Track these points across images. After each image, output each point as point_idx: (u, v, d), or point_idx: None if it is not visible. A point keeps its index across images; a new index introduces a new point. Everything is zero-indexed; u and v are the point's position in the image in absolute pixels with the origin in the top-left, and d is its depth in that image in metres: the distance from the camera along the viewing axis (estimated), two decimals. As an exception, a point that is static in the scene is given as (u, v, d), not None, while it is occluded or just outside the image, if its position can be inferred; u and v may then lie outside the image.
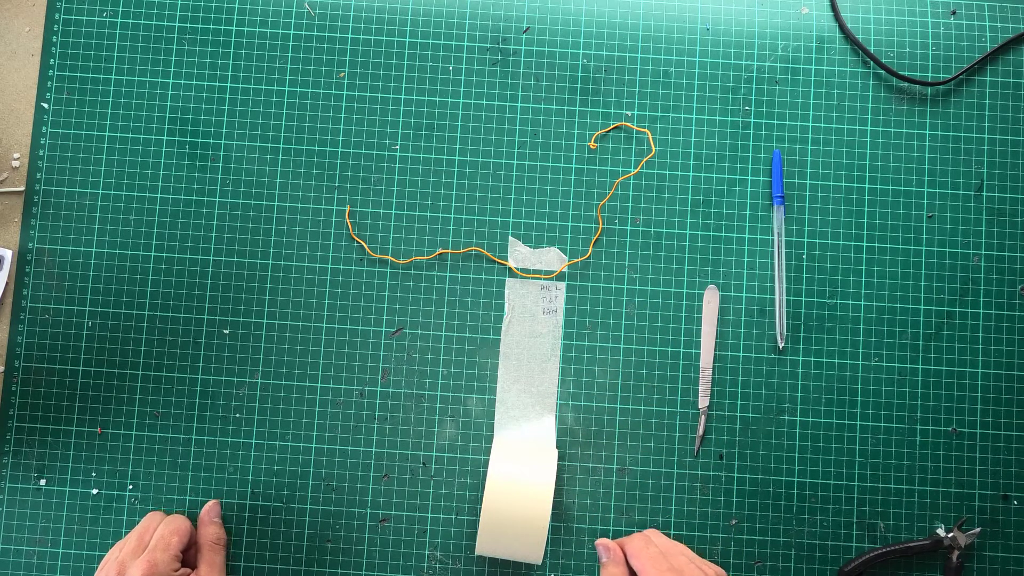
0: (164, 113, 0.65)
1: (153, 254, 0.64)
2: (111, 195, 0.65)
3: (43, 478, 0.63)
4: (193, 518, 0.61)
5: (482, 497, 0.60)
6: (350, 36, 0.66)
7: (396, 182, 0.65)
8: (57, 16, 0.66)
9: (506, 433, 0.63)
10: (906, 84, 0.66)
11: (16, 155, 0.65)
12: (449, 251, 0.65)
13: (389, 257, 0.65)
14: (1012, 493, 0.63)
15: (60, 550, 0.62)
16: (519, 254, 0.65)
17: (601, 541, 0.57)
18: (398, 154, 0.65)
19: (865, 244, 0.65)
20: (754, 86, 0.66)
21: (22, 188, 0.65)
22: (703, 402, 0.63)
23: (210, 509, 0.61)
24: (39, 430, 0.63)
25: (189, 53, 0.66)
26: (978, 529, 0.62)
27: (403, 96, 0.66)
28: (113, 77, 0.66)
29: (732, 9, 0.67)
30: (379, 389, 0.64)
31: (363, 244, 0.65)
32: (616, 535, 0.62)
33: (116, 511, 0.63)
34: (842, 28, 0.66)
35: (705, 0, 0.67)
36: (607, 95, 0.66)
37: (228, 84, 0.66)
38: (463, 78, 0.66)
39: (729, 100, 0.66)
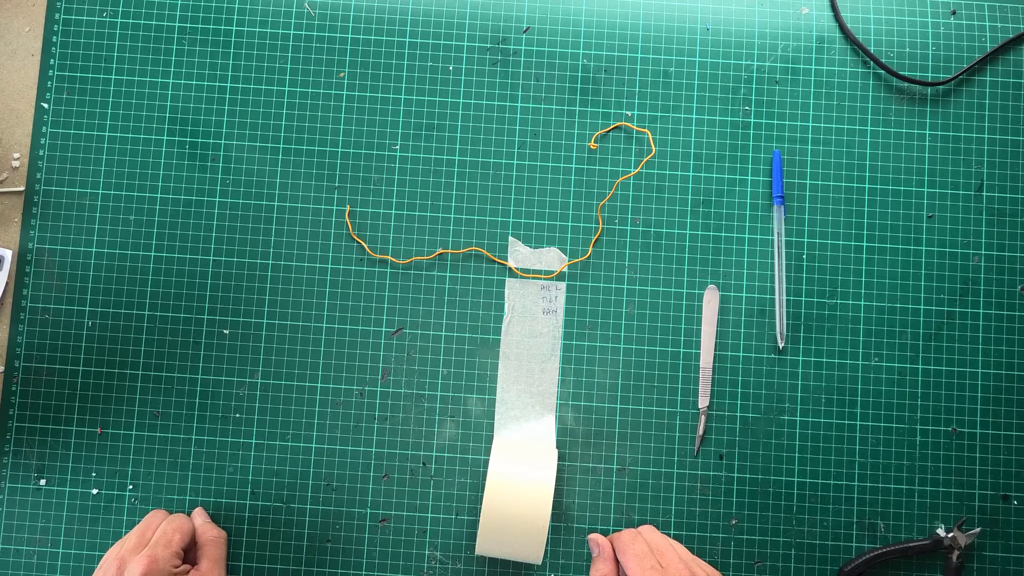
0: (164, 113, 0.65)
1: (153, 254, 0.64)
2: (111, 195, 0.65)
3: (43, 478, 0.63)
4: (193, 518, 0.62)
5: (482, 497, 0.60)
6: (350, 36, 0.66)
7: (396, 182, 0.65)
8: (57, 16, 0.66)
9: (506, 433, 0.63)
10: (906, 84, 0.66)
11: (16, 155, 0.65)
12: (449, 251, 0.65)
13: (389, 257, 0.65)
14: (1012, 493, 0.63)
15: (60, 550, 0.62)
16: (519, 254, 0.65)
17: (593, 536, 0.57)
18: (398, 154, 0.65)
19: (865, 244, 0.65)
20: (754, 86, 0.66)
21: (22, 188, 0.65)
22: (703, 402, 0.63)
23: (199, 514, 0.61)
24: (39, 430, 0.63)
25: (189, 53, 0.66)
26: (978, 529, 0.62)
27: (403, 96, 0.66)
28: (113, 77, 0.66)
29: (732, 9, 0.67)
30: (379, 389, 0.64)
31: (363, 244, 0.65)
32: (616, 535, 0.62)
33: (116, 511, 0.63)
34: (842, 28, 0.66)
35: (705, 0, 0.67)
36: (607, 95, 0.66)
37: (228, 84, 0.66)
38: (463, 78, 0.66)
39: (729, 100, 0.66)
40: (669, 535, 0.62)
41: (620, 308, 0.64)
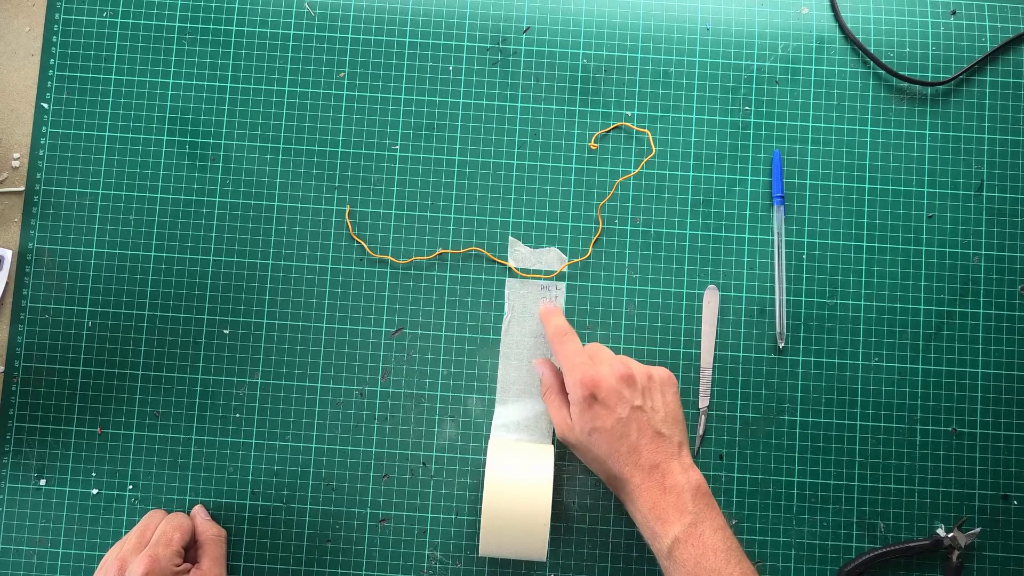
0: (164, 113, 0.65)
1: (153, 254, 0.64)
2: (111, 195, 0.65)
3: (43, 478, 0.63)
4: (193, 518, 0.61)
5: (482, 498, 0.60)
6: (350, 36, 0.66)
7: (396, 182, 0.65)
8: (57, 16, 0.66)
9: (503, 431, 0.63)
10: (906, 84, 0.66)
11: (16, 155, 0.65)
12: (449, 251, 0.65)
13: (389, 257, 0.65)
14: (1012, 493, 0.63)
15: (60, 550, 0.62)
16: (519, 254, 0.65)
17: (538, 365, 0.62)
18: (398, 154, 0.65)
19: (865, 244, 0.65)
20: (754, 86, 0.66)
21: (22, 188, 0.65)
22: (703, 402, 0.63)
23: (199, 512, 0.61)
24: (39, 430, 0.63)
25: (189, 53, 0.66)
26: (978, 529, 0.62)
27: (403, 96, 0.66)
28: (113, 77, 0.66)
29: (732, 9, 0.67)
30: (379, 389, 0.64)
31: (363, 244, 0.65)
32: (616, 535, 0.62)
33: (116, 511, 0.63)
34: (842, 28, 0.66)
35: (705, 0, 0.67)
36: (607, 95, 0.66)
37: (228, 84, 0.66)
38: (463, 78, 0.66)
39: (729, 100, 0.66)
40: (669, 535, 0.62)
41: (620, 308, 0.64)
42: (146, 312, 0.64)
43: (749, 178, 0.65)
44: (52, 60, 0.66)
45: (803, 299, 0.64)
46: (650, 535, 0.54)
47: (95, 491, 0.63)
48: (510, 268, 0.64)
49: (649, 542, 0.55)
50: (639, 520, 0.55)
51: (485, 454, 0.63)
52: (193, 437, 0.63)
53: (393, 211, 0.65)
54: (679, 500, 0.53)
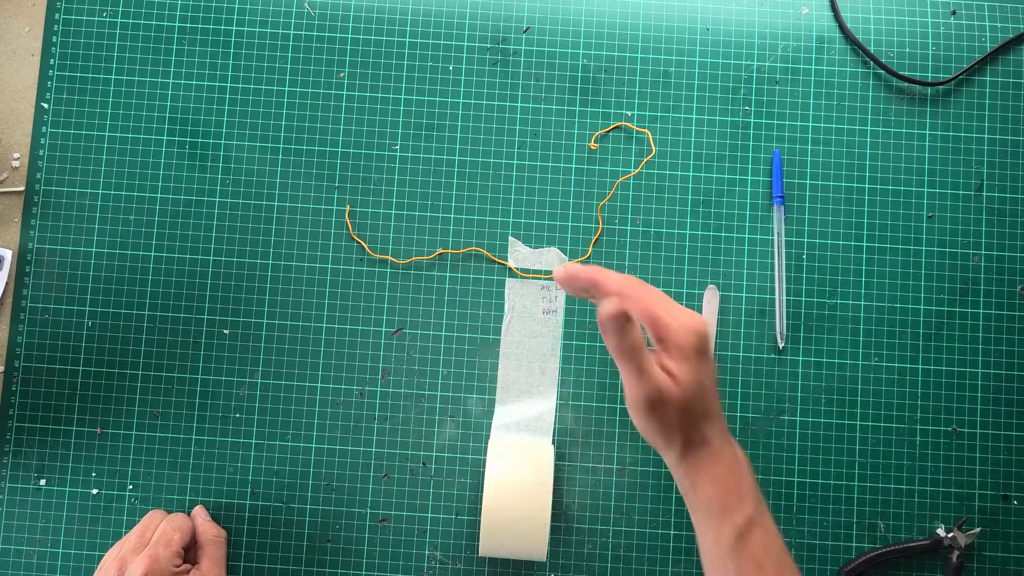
0: (164, 113, 0.65)
1: (153, 254, 0.64)
2: (111, 195, 0.65)
3: (43, 478, 0.63)
4: (193, 518, 0.61)
5: (482, 498, 0.60)
6: (350, 36, 0.66)
7: (396, 182, 0.65)
8: (57, 16, 0.66)
9: (503, 432, 0.63)
10: (906, 84, 0.66)
11: (16, 155, 0.65)
12: (449, 251, 0.65)
13: (389, 257, 0.65)
14: (1012, 493, 0.63)
15: (60, 550, 0.62)
16: (519, 254, 0.65)
17: (571, 271, 0.48)
18: (398, 154, 0.65)
19: (865, 244, 0.65)
20: (754, 86, 0.66)
21: (22, 188, 0.65)
22: (703, 402, 0.63)
23: (199, 512, 0.61)
24: (39, 430, 0.63)
25: (189, 53, 0.66)
26: (978, 529, 0.62)
27: (403, 96, 0.66)
28: (113, 77, 0.66)
29: (732, 9, 0.67)
30: (379, 389, 0.64)
31: (363, 244, 0.65)
32: (616, 535, 0.62)
33: (116, 511, 0.63)
34: (842, 28, 0.66)
35: (705, 0, 0.67)
36: (607, 95, 0.66)
37: (228, 84, 0.66)
38: (463, 78, 0.66)
39: (729, 100, 0.66)
40: (669, 535, 0.62)
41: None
42: (146, 312, 0.64)
43: (749, 178, 0.65)
44: (52, 60, 0.66)
45: (803, 299, 0.64)
46: (720, 509, 0.47)
47: (95, 491, 0.63)
48: (510, 268, 0.64)
49: (708, 515, 0.47)
50: (711, 493, 0.47)
51: (485, 454, 0.63)
52: (193, 437, 0.63)
53: (393, 211, 0.65)
54: (749, 478, 0.48)
